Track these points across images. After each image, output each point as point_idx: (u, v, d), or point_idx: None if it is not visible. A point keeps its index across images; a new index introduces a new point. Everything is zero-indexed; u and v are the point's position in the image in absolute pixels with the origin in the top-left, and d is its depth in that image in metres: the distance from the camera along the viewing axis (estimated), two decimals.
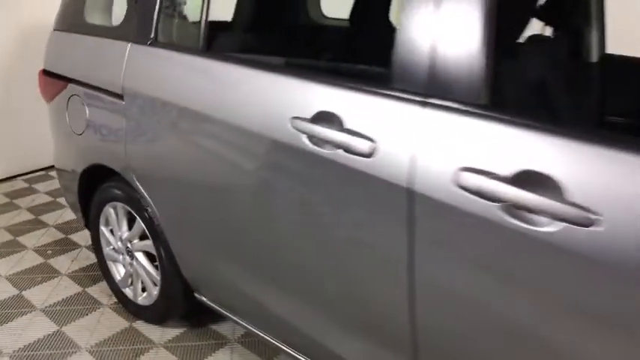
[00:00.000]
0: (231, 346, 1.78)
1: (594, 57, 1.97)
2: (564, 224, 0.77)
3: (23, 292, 2.07)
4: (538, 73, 1.60)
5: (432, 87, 0.94)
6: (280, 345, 1.42)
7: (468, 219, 0.87)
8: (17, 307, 1.98)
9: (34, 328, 1.86)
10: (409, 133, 0.95)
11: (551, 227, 0.79)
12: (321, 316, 1.25)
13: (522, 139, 0.83)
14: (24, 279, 2.17)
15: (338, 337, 1.23)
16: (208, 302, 1.64)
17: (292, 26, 2.00)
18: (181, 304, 1.75)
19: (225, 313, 1.60)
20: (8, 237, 2.53)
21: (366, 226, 1.03)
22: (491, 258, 0.86)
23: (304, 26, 2.23)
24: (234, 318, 1.56)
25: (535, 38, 1.77)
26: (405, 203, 0.95)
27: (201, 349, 1.76)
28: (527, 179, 0.81)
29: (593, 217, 0.75)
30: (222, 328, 1.87)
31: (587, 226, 0.76)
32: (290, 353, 1.39)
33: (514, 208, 0.82)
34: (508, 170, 0.83)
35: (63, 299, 2.04)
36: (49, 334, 1.83)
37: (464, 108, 0.90)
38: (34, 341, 1.79)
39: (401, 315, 1.02)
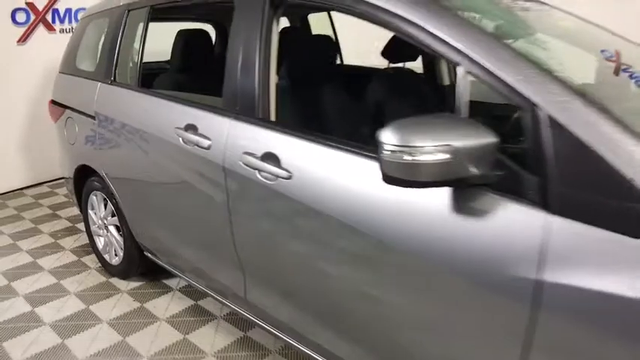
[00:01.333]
0: (172, 293, 2.51)
1: (446, 82, 2.63)
2: (279, 179, 1.47)
3: (37, 260, 2.88)
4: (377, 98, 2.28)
5: (240, 108, 1.65)
6: (200, 287, 2.11)
7: (246, 180, 1.57)
8: (32, 269, 2.78)
9: (41, 281, 2.65)
10: (226, 134, 1.66)
11: (275, 181, 1.48)
12: (204, 255, 1.97)
13: (268, 136, 1.53)
14: (39, 252, 2.98)
15: (212, 268, 1.94)
16: (153, 258, 2.38)
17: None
18: (137, 262, 2.49)
19: (163, 265, 2.32)
20: (31, 225, 3.37)
21: (209, 190, 1.75)
22: (257, 201, 1.57)
23: None
24: (169, 268, 2.29)
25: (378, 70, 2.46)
26: (223, 175, 1.65)
27: (152, 295, 2.50)
28: (268, 156, 1.51)
29: (290, 174, 1.44)
30: (170, 282, 2.60)
31: (288, 179, 1.45)
32: (209, 293, 2.07)
33: (261, 172, 1.52)
34: (260, 152, 1.53)
35: (64, 264, 2.83)
36: (51, 285, 2.61)
37: (250, 119, 1.60)
38: (41, 288, 2.57)
39: (229, 243, 1.72)
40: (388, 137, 1.01)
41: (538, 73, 1.07)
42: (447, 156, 0.98)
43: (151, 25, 2.25)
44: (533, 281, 0.99)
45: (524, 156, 1.04)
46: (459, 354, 1.19)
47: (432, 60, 2.58)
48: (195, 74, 2.22)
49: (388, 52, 2.33)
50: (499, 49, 1.13)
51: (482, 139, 1.01)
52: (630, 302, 0.89)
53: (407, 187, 1.04)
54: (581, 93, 1.04)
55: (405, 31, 1.24)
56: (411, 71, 2.54)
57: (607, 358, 0.95)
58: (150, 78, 2.29)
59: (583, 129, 0.97)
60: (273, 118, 1.62)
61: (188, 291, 2.52)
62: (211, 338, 2.14)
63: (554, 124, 1.00)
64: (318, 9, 2.81)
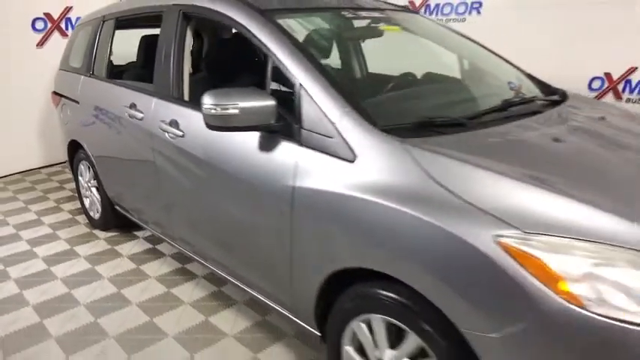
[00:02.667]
0: (138, 240, 3.22)
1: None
2: (178, 137, 2.13)
3: (41, 218, 3.64)
4: None
5: (162, 90, 2.32)
6: (157, 234, 2.79)
7: (160, 140, 2.24)
8: (36, 224, 3.54)
9: (41, 232, 3.40)
10: (152, 109, 2.33)
11: (176, 139, 2.14)
12: (147, 202, 2.65)
13: (175, 108, 2.19)
14: (44, 212, 3.74)
15: (153, 212, 2.62)
16: (121, 211, 3.08)
17: None
18: (111, 215, 3.20)
19: (128, 215, 3.02)
20: (41, 194, 4.16)
21: (144, 151, 2.43)
22: (166, 154, 2.24)
23: None
24: (133, 219, 2.98)
25: None
26: (150, 138, 2.33)
27: (123, 241, 3.21)
28: (172, 122, 2.17)
29: (183, 133, 2.10)
30: (138, 233, 3.31)
31: (182, 137, 2.11)
32: (163, 239, 2.75)
33: (168, 133, 2.18)
34: (168, 119, 2.20)
35: (60, 220, 3.58)
36: (48, 234, 3.36)
37: (167, 98, 2.27)
38: (40, 236, 3.32)
39: (158, 189, 2.40)
40: (206, 99, 1.65)
41: (305, 62, 1.69)
42: (237, 111, 1.62)
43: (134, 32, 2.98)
44: (291, 187, 1.62)
45: (294, 112, 1.67)
46: (256, 239, 1.84)
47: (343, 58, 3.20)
48: (145, 68, 2.92)
49: None
50: (291, 48, 1.76)
51: (263, 102, 1.64)
52: (338, 195, 1.49)
53: (218, 130, 1.69)
54: (326, 73, 1.66)
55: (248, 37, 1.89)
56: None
57: (332, 233, 1.55)
58: (121, 72, 3.01)
59: (317, 95, 1.60)
60: (186, 97, 2.28)
61: (150, 238, 3.22)
62: (158, 268, 2.83)
63: (305, 92, 1.63)
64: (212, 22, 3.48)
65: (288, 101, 1.70)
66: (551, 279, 1.10)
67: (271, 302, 1.94)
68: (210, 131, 1.89)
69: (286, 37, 1.80)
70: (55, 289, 2.64)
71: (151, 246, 3.12)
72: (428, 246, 1.26)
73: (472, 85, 2.27)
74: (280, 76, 1.75)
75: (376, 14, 2.38)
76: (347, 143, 1.50)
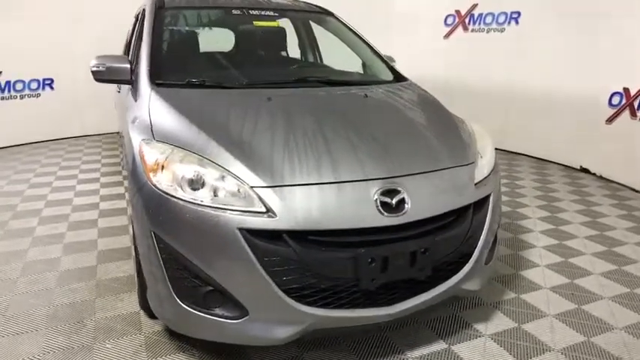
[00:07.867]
0: None
1: (309, 58, 3.92)
2: (118, 91, 3.15)
3: (102, 160, 5.07)
4: None
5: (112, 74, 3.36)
6: None
7: (119, 93, 3.29)
8: (96, 162, 4.97)
9: (95, 165, 4.79)
10: None
11: (117, 92, 3.17)
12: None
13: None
14: (105, 156, 5.18)
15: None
16: None
17: None
18: None
19: None
20: (115, 146, 5.66)
21: (121, 99, 3.52)
22: (123, 102, 3.28)
23: None
24: None
25: None
26: (128, 100, 3.41)
27: None
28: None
29: (119, 89, 3.12)
30: None
31: (119, 92, 3.12)
32: None
33: (117, 89, 3.22)
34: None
35: (111, 162, 4.95)
36: (97, 167, 4.73)
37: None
38: (88, 168, 4.71)
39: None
40: (92, 61, 2.61)
41: (149, 41, 2.55)
42: (104, 69, 2.55)
43: None
44: (129, 114, 2.50)
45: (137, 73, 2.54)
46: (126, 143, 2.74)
47: (303, 51, 3.90)
48: None
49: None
50: (150, 30, 2.63)
51: (120, 65, 2.54)
52: (132, 118, 2.32)
53: (99, 82, 2.64)
54: (152, 49, 2.50)
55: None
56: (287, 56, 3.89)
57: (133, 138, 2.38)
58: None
59: (141, 59, 2.45)
60: None
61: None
62: None
63: (139, 59, 2.49)
64: None
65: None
66: (147, 168, 1.80)
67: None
68: (124, 85, 2.87)
69: (153, 23, 2.68)
70: (66, 196, 3.92)
71: None
72: (130, 148, 2.04)
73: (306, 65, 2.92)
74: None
75: (269, 12, 3.10)
76: (138, 91, 2.33)
